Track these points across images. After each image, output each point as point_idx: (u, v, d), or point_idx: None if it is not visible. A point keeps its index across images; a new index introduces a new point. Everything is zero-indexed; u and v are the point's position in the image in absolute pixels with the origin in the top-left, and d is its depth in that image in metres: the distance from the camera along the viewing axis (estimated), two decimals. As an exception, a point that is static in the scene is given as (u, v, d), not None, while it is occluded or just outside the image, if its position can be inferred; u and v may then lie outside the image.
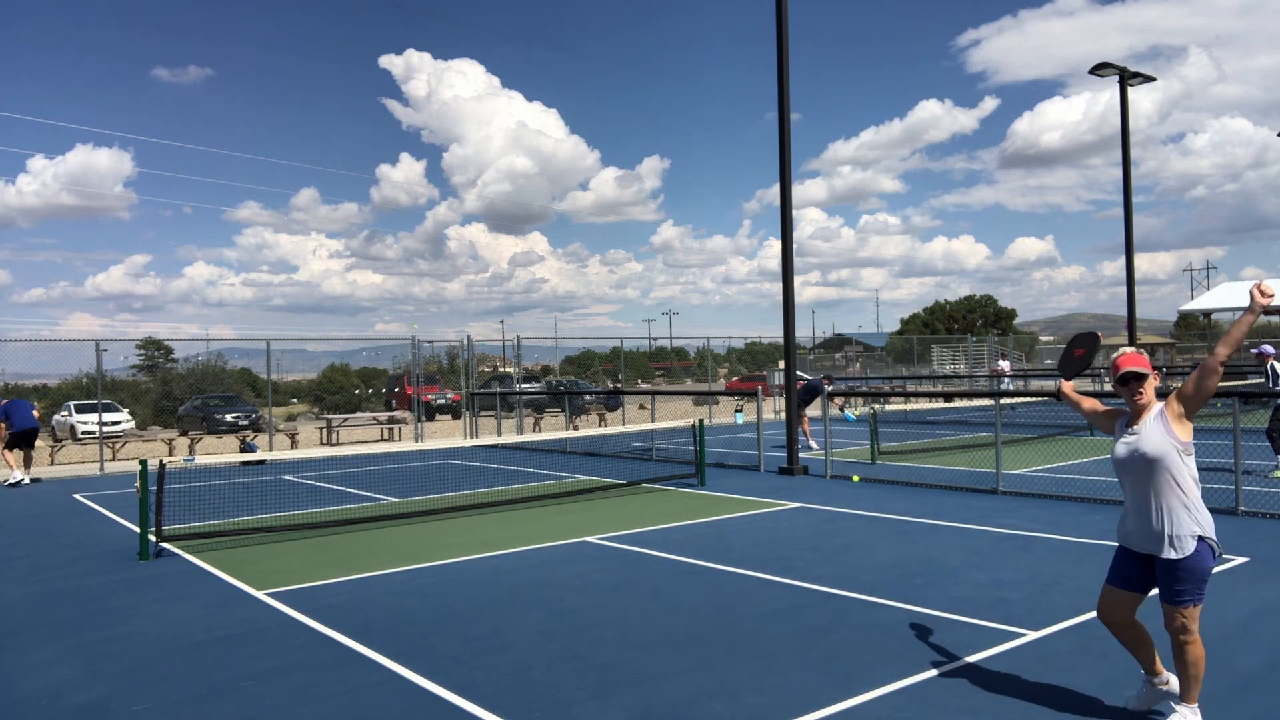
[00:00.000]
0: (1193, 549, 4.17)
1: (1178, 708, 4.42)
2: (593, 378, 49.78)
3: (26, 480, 16.99)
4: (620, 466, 16.59)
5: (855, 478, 14.03)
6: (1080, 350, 5.22)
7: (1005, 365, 32.28)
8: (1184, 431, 4.27)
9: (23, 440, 17.19)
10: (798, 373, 17.86)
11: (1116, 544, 4.57)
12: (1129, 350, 4.44)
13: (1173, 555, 4.20)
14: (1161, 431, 4.27)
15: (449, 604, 7.30)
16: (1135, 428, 4.40)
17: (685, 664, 5.68)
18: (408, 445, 18.65)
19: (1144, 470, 4.28)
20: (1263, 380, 13.25)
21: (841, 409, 24.61)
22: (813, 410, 21.58)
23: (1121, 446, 4.44)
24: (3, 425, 17.19)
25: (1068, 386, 5.15)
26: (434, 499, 13.20)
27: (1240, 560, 8.00)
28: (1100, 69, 20.23)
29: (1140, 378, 4.35)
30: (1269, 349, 13.35)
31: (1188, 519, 4.20)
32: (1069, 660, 5.53)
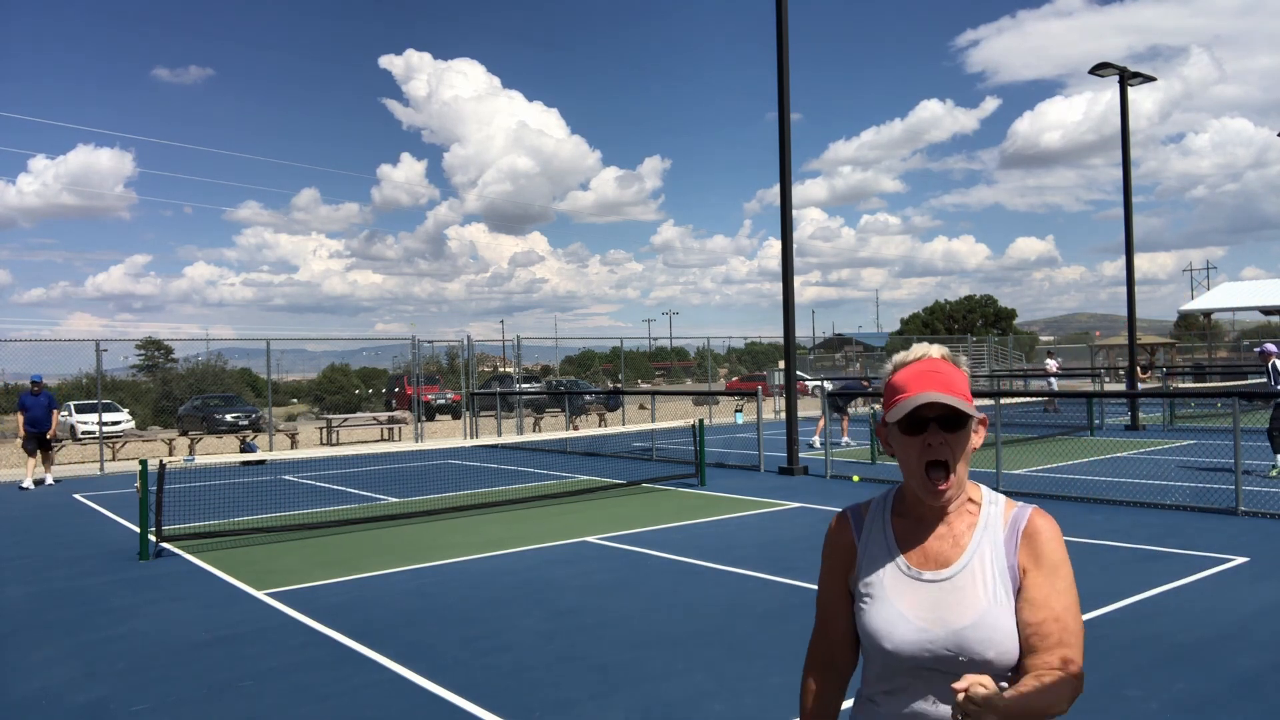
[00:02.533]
0: None
1: None
2: (593, 378, 49.79)
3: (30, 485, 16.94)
4: (620, 466, 16.59)
5: (855, 478, 14.03)
6: None
7: (1053, 364, 30.92)
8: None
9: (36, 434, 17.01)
10: (799, 373, 17.86)
11: None
12: (932, 352, 1.85)
13: None
14: (1008, 596, 1.78)
15: (449, 604, 7.30)
16: (946, 571, 1.82)
17: (685, 664, 5.68)
18: (408, 445, 18.68)
19: (965, 670, 1.73)
20: (1264, 380, 13.25)
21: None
22: (814, 410, 21.59)
23: (905, 621, 1.81)
24: (20, 418, 16.97)
25: None
26: (434, 499, 13.20)
27: (1240, 560, 8.00)
28: (1100, 69, 20.19)
29: (955, 423, 1.78)
30: (1271, 348, 13.34)
31: None
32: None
